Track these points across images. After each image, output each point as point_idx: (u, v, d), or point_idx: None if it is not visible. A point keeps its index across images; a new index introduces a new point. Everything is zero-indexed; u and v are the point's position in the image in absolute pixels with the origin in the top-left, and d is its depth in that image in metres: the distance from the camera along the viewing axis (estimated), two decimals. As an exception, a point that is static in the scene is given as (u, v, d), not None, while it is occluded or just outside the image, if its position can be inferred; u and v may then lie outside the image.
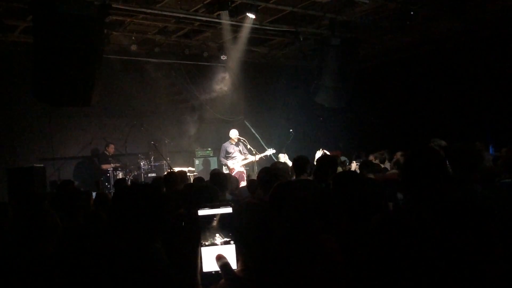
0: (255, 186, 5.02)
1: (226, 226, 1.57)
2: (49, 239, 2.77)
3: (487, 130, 10.18)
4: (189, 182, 6.88)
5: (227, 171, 9.61)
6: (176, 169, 8.17)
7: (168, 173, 7.07)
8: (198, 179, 6.24)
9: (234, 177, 6.04)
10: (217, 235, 1.57)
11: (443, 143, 6.21)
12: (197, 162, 11.64)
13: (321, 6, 8.76)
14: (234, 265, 1.56)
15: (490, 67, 10.21)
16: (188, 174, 9.89)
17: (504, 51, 9.99)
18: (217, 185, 3.91)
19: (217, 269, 1.56)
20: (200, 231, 1.57)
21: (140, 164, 10.57)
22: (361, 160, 7.92)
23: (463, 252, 1.70)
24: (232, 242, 1.57)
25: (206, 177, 7.19)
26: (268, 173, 4.22)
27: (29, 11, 7.47)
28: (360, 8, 8.98)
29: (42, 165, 9.13)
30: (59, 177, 10.01)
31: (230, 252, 1.56)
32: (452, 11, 9.13)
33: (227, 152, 9.91)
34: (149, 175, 10.47)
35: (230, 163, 9.88)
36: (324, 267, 1.92)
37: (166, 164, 10.57)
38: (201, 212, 1.57)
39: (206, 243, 1.57)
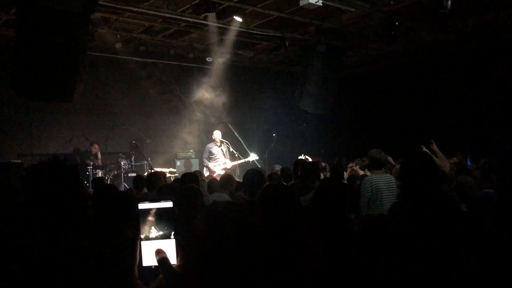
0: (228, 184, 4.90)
1: (165, 220, 1.55)
2: None
3: (466, 141, 10.40)
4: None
5: (208, 173, 9.55)
6: (157, 170, 8.09)
7: (149, 173, 7.00)
8: (177, 181, 6.18)
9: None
10: (155, 229, 1.55)
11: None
12: (178, 163, 11.56)
13: (307, 12, 8.82)
14: (173, 260, 1.54)
15: (470, 78, 10.44)
16: (169, 175, 9.83)
17: (485, 64, 10.23)
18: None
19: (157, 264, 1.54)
20: (139, 224, 1.55)
21: (121, 164, 10.46)
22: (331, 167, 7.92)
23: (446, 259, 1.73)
24: (172, 236, 1.55)
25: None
26: (255, 175, 4.20)
27: (13, 4, 7.32)
28: (346, 16, 9.07)
29: (19, 161, 8.94)
30: (36, 174, 9.80)
31: (169, 247, 1.55)
32: (435, 24, 9.33)
33: (211, 153, 9.81)
34: (129, 174, 10.36)
35: (211, 165, 9.80)
36: (309, 270, 1.93)
37: (147, 164, 10.47)
38: (141, 206, 1.56)
39: (144, 237, 1.54)
